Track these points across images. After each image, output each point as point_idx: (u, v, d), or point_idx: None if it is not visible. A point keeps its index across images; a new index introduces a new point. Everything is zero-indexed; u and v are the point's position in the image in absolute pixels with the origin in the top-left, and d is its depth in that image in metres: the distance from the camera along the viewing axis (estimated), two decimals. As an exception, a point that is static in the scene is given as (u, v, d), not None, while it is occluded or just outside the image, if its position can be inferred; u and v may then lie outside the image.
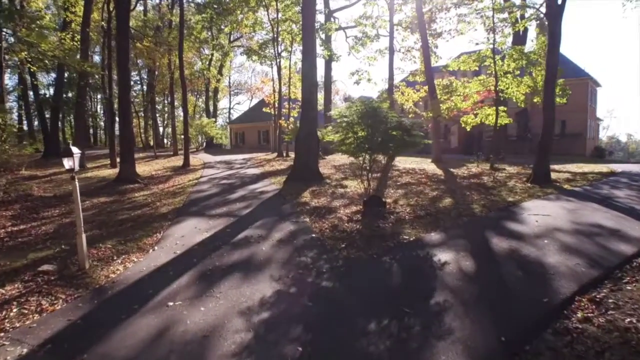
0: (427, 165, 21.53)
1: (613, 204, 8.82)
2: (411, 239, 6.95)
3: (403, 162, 22.95)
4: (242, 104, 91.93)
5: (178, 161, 24.64)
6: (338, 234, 7.53)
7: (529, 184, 11.84)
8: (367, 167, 9.41)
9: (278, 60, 26.98)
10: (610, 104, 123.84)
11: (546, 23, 14.34)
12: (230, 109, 58.63)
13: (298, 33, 26.73)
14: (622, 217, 7.46)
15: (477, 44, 22.77)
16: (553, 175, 14.22)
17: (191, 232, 8.12)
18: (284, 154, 26.52)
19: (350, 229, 7.85)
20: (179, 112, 51.13)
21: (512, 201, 9.58)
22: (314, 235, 7.51)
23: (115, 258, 6.73)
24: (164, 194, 13.42)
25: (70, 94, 34.44)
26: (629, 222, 7.08)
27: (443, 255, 5.86)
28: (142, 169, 21.98)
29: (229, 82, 57.95)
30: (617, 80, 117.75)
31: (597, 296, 4.39)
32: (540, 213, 8.00)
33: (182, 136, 29.77)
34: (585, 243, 5.97)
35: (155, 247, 7.26)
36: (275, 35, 26.61)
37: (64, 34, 18.44)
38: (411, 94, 24.90)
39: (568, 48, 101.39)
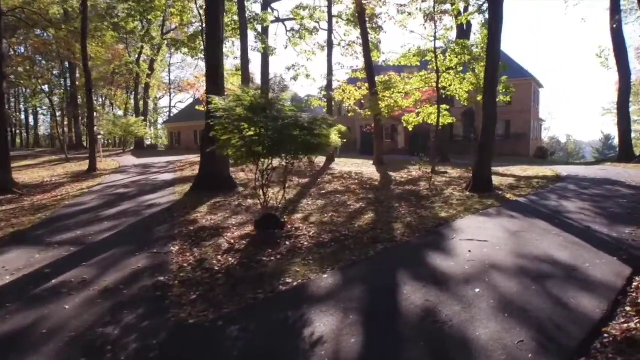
0: (367, 168, 19.80)
1: (565, 221, 7.11)
2: (294, 283, 4.82)
3: (342, 165, 21.13)
4: (185, 102, 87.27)
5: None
6: (199, 275, 5.29)
7: (468, 193, 10.12)
8: (263, 178, 7.22)
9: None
10: (551, 106, 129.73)
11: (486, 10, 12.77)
12: (171, 107, 54.83)
13: (229, 24, 24.26)
14: (578, 243, 5.69)
15: (423, 39, 21.30)
16: (496, 181, 12.68)
17: (-8, 274, 5.60)
18: (215, 156, 23.91)
19: (222, 264, 5.64)
20: (114, 110, 47.11)
21: (444, 218, 7.71)
22: (162, 278, 5.21)
23: None
24: (29, 208, 10.61)
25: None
26: (587, 252, 5.30)
27: (323, 323, 3.75)
28: (38, 174, 18.79)
29: (169, 79, 54.26)
30: (556, 83, 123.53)
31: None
32: (476, 238, 6.12)
33: (99, 136, 26.45)
34: (533, 295, 4.05)
35: None
36: (204, 26, 23.92)
37: None
38: (353, 92, 22.98)
39: (512, 49, 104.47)
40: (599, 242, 5.68)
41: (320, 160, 22.92)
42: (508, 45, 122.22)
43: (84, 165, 21.42)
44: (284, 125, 6.30)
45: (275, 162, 7.19)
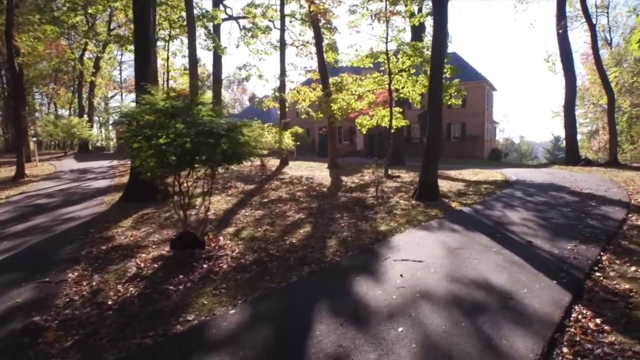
0: (321, 171, 19.23)
1: (507, 235, 6.74)
2: (195, 322, 4.10)
3: (295, 169, 20.48)
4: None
5: (25, 169, 19.63)
6: (87, 312, 4.47)
7: (414, 201, 9.70)
8: (181, 190, 6.43)
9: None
10: (505, 108, 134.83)
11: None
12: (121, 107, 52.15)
13: (177, 20, 23.10)
14: (518, 263, 5.26)
15: (375, 40, 20.96)
16: (445, 187, 12.42)
17: None
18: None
19: (119, 297, 4.83)
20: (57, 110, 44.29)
21: (383, 232, 7.19)
22: (39, 317, 4.34)
23: None
24: None
25: None
26: (526, 274, 4.87)
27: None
28: (-45, 182, 16.94)
29: (120, 78, 51.72)
30: (509, 86, 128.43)
31: None
32: (411, 257, 5.59)
33: (34, 139, 24.53)
34: (462, 335, 3.49)
35: None
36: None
37: None
38: (308, 93, 22.35)
39: (466, 54, 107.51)
40: (540, 262, 5.28)
41: (274, 163, 22.20)
42: (463, 49, 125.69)
43: (15, 171, 19.65)
44: (198, 132, 5.55)
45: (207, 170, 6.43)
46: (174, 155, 5.75)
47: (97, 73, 33.45)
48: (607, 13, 35.07)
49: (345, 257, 5.92)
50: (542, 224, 7.43)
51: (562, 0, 23.04)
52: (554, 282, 4.57)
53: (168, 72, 23.90)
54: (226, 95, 69.26)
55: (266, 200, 11.14)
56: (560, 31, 22.28)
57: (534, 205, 9.20)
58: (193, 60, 20.82)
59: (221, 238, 7.22)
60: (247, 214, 9.40)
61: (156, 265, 5.85)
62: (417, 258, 5.54)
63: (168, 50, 23.50)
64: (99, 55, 32.35)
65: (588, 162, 21.82)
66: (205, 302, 4.54)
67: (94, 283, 5.32)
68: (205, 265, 5.75)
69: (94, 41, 30.40)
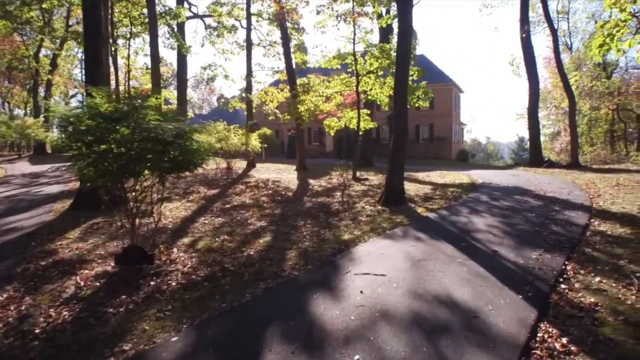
0: (288, 174, 18.89)
1: (472, 244, 6.57)
2: (131, 352, 3.67)
3: (263, 171, 20.09)
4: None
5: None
6: (8, 344, 3.95)
7: (380, 207, 9.50)
8: (126, 200, 5.94)
9: (112, 48, 21.96)
10: (473, 109, 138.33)
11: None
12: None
13: (138, 17, 22.19)
14: (483, 275, 5.07)
15: (343, 41, 20.73)
16: (412, 190, 12.32)
17: None
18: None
19: (49, 323, 4.33)
20: (11, 110, 42.01)
21: (346, 241, 6.92)
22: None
23: None
24: None
25: None
26: (491, 287, 4.68)
27: None
28: None
29: (82, 77, 49.55)
30: (477, 88, 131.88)
31: None
32: (373, 271, 5.32)
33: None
34: None
35: None
36: (110, 17, 21.59)
37: None
38: (275, 94, 21.89)
39: (434, 56, 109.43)
40: (505, 274, 5.11)
41: (241, 165, 21.66)
42: (430, 52, 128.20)
43: (-41, 175, 18.34)
44: (143, 138, 5.09)
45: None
46: (115, 163, 5.27)
47: (54, 71, 31.83)
48: (568, 19, 36.31)
49: (304, 270, 5.59)
50: (507, 230, 7.34)
51: (525, 5, 23.53)
52: (520, 297, 4.39)
53: (129, 71, 22.89)
54: (194, 95, 67.82)
55: (228, 206, 10.69)
56: (524, 35, 22.73)
57: (499, 210, 9.15)
58: (155, 59, 20.05)
59: (175, 250, 6.76)
60: (206, 221, 8.94)
61: (98, 284, 5.35)
62: (380, 271, 5.28)
63: (129, 49, 22.54)
64: (56, 52, 30.79)
65: (551, 164, 22.36)
66: (147, 328, 4.11)
67: (23, 307, 4.77)
68: (152, 283, 5.29)
69: (50, 37, 28.93)
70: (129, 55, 22.53)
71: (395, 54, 17.09)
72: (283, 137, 37.67)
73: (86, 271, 5.89)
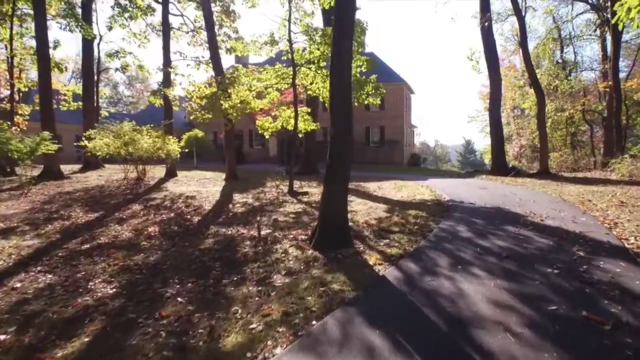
0: (213, 186, 15.32)
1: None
2: None
3: (183, 182, 16.37)
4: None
5: None
6: None
7: (311, 250, 6.21)
8: None
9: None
10: (421, 111, 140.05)
11: None
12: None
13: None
14: None
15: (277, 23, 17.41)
16: (360, 213, 9.25)
17: None
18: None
19: None
20: None
21: (227, 356, 3.50)
22: None
23: None
24: None
25: None
26: None
27: None
28: None
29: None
30: (425, 89, 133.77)
31: None
32: None
33: None
34: None
35: None
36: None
37: None
38: (203, 89, 18.08)
39: (385, 55, 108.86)
40: None
41: (161, 173, 17.81)
42: (381, 50, 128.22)
43: None
44: None
45: None
46: None
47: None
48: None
49: None
50: (533, 318, 3.80)
51: (486, -9, 21.22)
52: None
53: (12, 57, 18.24)
54: (127, 92, 61.84)
55: (87, 246, 7.03)
56: (486, 24, 20.33)
57: (497, 259, 5.75)
58: (43, 43, 15.83)
59: None
60: (24, 284, 5.27)
61: None
62: None
63: (11, 30, 17.90)
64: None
65: (518, 172, 20.12)
66: None
67: None
68: None
69: None
70: (11, 37, 17.86)
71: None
72: (221, 140, 33.78)
73: None
